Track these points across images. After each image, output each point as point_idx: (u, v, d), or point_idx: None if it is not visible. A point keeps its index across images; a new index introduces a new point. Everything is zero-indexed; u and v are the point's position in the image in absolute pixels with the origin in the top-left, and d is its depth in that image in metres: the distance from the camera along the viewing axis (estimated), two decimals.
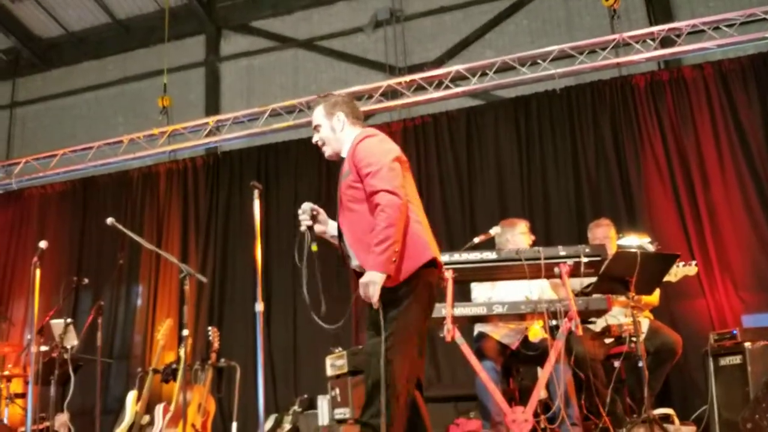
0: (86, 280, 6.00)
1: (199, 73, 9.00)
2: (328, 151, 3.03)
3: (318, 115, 3.03)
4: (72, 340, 5.84)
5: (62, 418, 6.28)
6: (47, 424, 5.79)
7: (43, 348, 5.68)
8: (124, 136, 8.22)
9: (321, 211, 3.01)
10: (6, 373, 6.18)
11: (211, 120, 8.06)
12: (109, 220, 4.38)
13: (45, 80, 9.73)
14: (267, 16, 8.86)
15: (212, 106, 8.71)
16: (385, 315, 2.71)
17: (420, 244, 2.80)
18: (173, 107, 8.48)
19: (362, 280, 2.68)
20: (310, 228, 2.94)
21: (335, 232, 3.01)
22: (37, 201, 8.61)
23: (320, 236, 3.00)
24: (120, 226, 4.35)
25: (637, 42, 6.76)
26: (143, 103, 8.99)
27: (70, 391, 5.81)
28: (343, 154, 2.97)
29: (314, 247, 2.86)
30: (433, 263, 2.80)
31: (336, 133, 2.99)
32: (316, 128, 3.03)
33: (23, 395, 6.93)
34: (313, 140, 3.07)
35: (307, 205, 2.97)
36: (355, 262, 2.88)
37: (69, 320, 5.73)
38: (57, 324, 5.72)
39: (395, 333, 2.69)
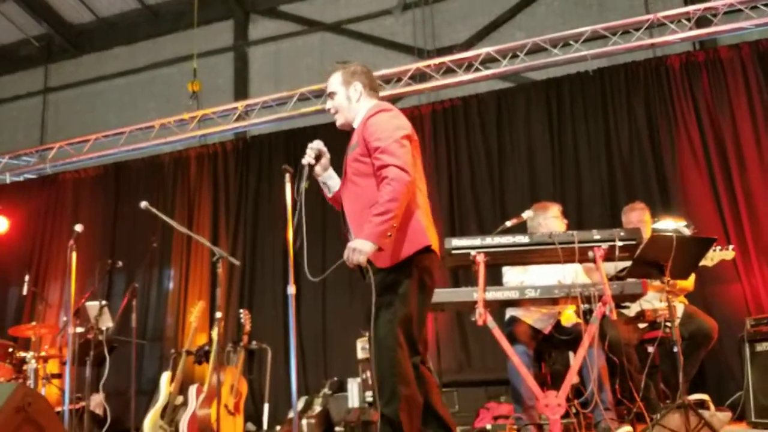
0: (120, 263, 6.12)
1: (228, 58, 9.03)
2: (340, 120, 2.98)
3: (335, 82, 2.98)
4: (107, 322, 5.94)
5: (97, 398, 6.41)
6: (83, 404, 5.91)
7: (79, 329, 5.79)
8: (155, 121, 8.30)
9: (327, 155, 2.97)
10: (43, 354, 6.29)
11: (240, 105, 8.10)
12: (143, 204, 4.44)
13: (77, 66, 9.84)
14: None
15: (241, 90, 8.75)
16: (382, 299, 2.67)
17: (419, 230, 2.77)
18: (202, 92, 8.53)
19: (350, 244, 2.64)
20: (311, 166, 2.90)
21: (333, 184, 3.00)
22: (71, 185, 8.74)
23: (316, 178, 2.99)
24: (154, 210, 4.40)
25: (671, 22, 6.62)
26: (173, 88, 9.05)
27: (105, 371, 5.91)
28: (355, 125, 2.94)
29: (306, 185, 2.82)
30: (429, 249, 2.77)
31: (351, 102, 2.95)
32: (331, 95, 2.99)
33: (59, 376, 7.09)
34: (326, 106, 3.04)
35: (317, 144, 2.94)
36: (352, 237, 2.83)
37: (104, 302, 5.83)
38: (92, 306, 5.82)
39: (393, 319, 2.66)
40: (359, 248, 2.60)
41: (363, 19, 8.49)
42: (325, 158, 2.95)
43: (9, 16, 9.41)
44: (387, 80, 7.60)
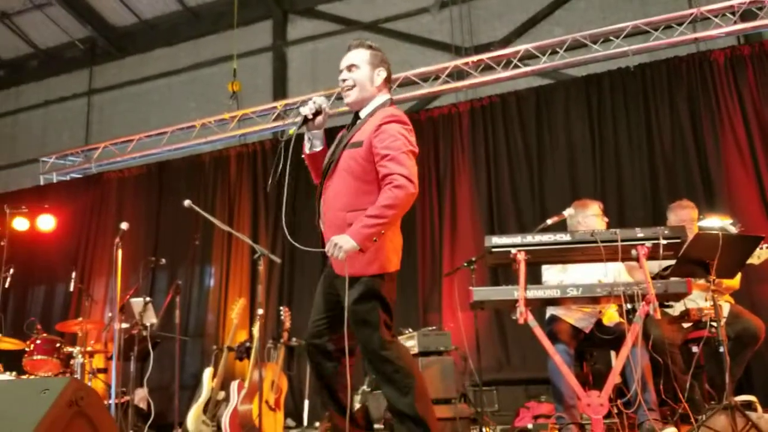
0: (163, 260, 6.22)
1: (267, 58, 9.13)
2: (353, 96, 2.85)
3: (360, 57, 2.87)
4: (151, 318, 6.04)
5: (141, 393, 6.53)
6: (128, 398, 6.03)
7: (124, 325, 5.91)
8: (196, 121, 8.45)
9: (326, 113, 2.85)
10: (89, 349, 6.43)
11: (279, 104, 8.18)
12: (187, 202, 4.52)
13: (120, 68, 10.06)
14: None
15: (279, 90, 8.84)
16: (371, 304, 2.75)
17: (399, 251, 2.82)
18: (242, 92, 8.64)
19: (334, 239, 2.58)
20: (306, 119, 2.79)
21: (317, 144, 2.88)
22: (115, 184, 8.94)
23: (304, 132, 2.89)
24: (197, 208, 4.48)
25: (715, 16, 6.50)
26: (213, 88, 9.19)
27: (149, 367, 6.01)
28: (364, 111, 2.86)
29: (291, 131, 2.69)
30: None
31: (372, 85, 2.86)
32: (352, 68, 2.86)
33: (105, 370, 7.25)
34: (342, 77, 2.87)
35: (321, 100, 2.84)
36: (322, 224, 2.83)
37: (148, 299, 5.94)
38: (136, 302, 5.92)
39: (381, 323, 2.75)
40: (341, 245, 2.55)
41: (400, 18, 8.51)
42: (323, 116, 2.84)
43: (55, 19, 9.67)
44: (424, 78, 7.61)
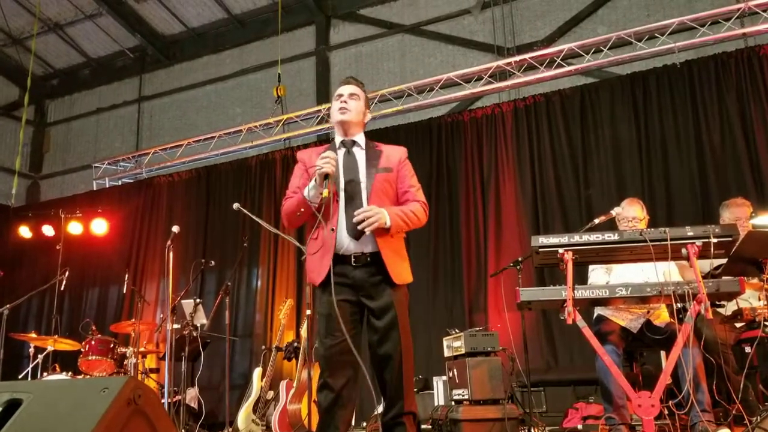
0: (212, 262, 6.35)
1: (310, 63, 9.25)
2: (347, 117, 3.11)
3: (361, 93, 3.22)
4: (201, 319, 6.16)
5: (192, 392, 6.65)
6: (179, 397, 6.16)
7: (175, 326, 6.04)
8: (243, 126, 8.62)
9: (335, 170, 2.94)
10: (141, 349, 6.57)
11: (323, 107, 8.28)
12: (236, 206, 4.62)
13: (168, 75, 10.32)
14: (374, 3, 8.98)
15: (323, 94, 8.94)
16: (405, 311, 2.97)
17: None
18: (286, 96, 8.77)
19: (376, 209, 2.85)
20: (327, 175, 2.85)
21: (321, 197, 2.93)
22: (165, 188, 9.17)
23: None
24: (245, 211, 4.59)
25: (764, 10, 6.37)
26: (259, 94, 9.36)
27: (200, 367, 6.13)
28: (358, 138, 3.14)
29: (325, 193, 2.84)
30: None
31: (362, 119, 3.19)
32: (354, 96, 3.16)
33: (157, 370, 7.42)
34: (342, 100, 3.13)
35: (331, 163, 2.88)
36: (359, 248, 2.91)
37: (198, 300, 6.07)
38: (187, 303, 6.06)
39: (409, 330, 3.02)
40: (382, 218, 2.85)
41: (442, 20, 8.53)
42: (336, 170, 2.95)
43: (105, 29, 9.97)
44: (467, 79, 7.62)
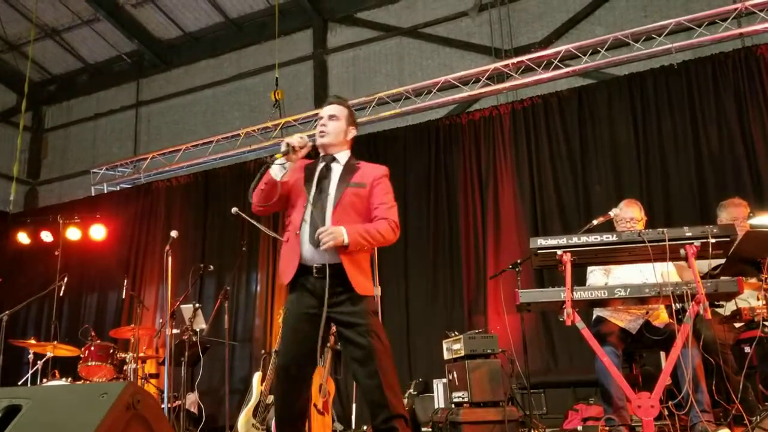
0: (211, 267, 6.34)
1: (308, 66, 9.25)
2: (326, 140, 3.17)
3: (342, 112, 3.23)
4: (200, 324, 6.16)
5: (192, 397, 6.63)
6: (179, 402, 6.15)
7: (174, 331, 6.03)
8: (241, 130, 8.61)
9: (302, 153, 3.07)
10: (141, 354, 6.56)
11: (321, 111, 8.26)
12: (234, 210, 4.62)
13: (166, 80, 10.32)
14: (372, 6, 8.98)
15: (321, 97, 8.93)
16: (375, 319, 3.02)
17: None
18: (284, 100, 8.77)
19: (333, 228, 2.90)
20: (293, 149, 3.00)
21: (289, 175, 3.08)
22: (163, 193, 9.16)
23: (287, 160, 3.05)
24: (244, 215, 4.57)
25: (761, 10, 6.37)
26: (257, 98, 9.36)
27: (199, 371, 6.12)
28: (341, 156, 3.19)
29: (278, 155, 3.00)
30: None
31: (344, 138, 3.21)
32: (333, 117, 3.19)
33: (156, 375, 7.41)
34: (322, 122, 3.19)
35: (309, 140, 3.07)
36: (321, 259, 2.97)
37: (197, 305, 6.06)
38: (186, 308, 6.05)
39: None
40: (339, 236, 2.88)
41: (439, 22, 8.53)
42: (304, 152, 3.09)
43: (102, 34, 9.98)
44: (465, 81, 7.63)
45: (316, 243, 2.94)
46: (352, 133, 3.28)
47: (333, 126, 3.18)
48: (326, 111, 3.23)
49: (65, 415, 1.66)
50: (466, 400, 4.54)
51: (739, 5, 6.43)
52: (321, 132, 3.18)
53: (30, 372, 6.20)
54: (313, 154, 3.18)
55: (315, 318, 2.95)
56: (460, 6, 8.41)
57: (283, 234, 3.18)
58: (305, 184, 3.10)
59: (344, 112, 3.24)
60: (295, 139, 3.03)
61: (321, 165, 3.18)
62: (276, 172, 3.03)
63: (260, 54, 9.52)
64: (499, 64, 7.43)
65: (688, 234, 3.46)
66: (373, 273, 3.52)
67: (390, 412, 2.88)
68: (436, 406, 5.75)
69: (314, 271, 2.97)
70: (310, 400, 3.13)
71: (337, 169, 3.17)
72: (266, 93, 8.90)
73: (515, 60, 7.36)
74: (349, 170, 3.17)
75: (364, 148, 8.03)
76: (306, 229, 3.01)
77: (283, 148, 3.01)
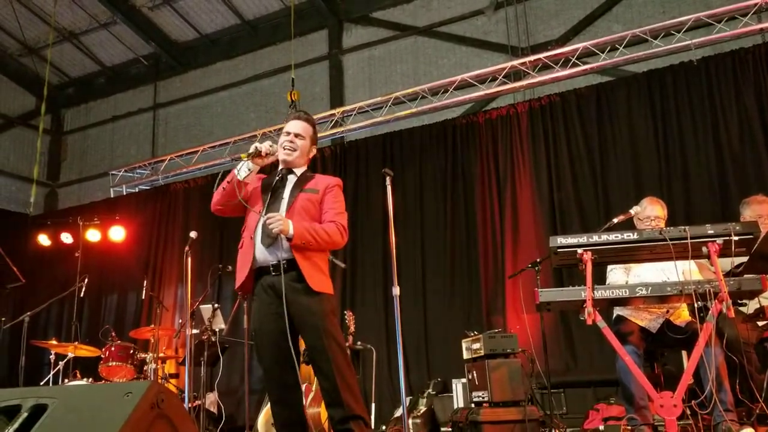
0: (230, 267, 6.35)
1: (323, 67, 9.26)
2: (291, 157, 3.33)
3: (307, 130, 3.39)
4: (219, 324, 6.19)
5: (212, 397, 6.67)
6: (199, 402, 6.19)
7: (194, 331, 6.07)
8: (257, 131, 8.64)
9: (269, 160, 3.28)
10: (161, 355, 6.60)
11: (337, 111, 8.30)
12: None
13: (183, 82, 10.38)
14: (387, 6, 8.97)
15: (337, 97, 8.96)
16: (334, 319, 3.12)
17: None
18: (300, 100, 8.78)
19: (282, 218, 3.04)
20: (259, 155, 3.19)
21: (252, 178, 3.28)
22: (181, 194, 9.22)
23: (253, 163, 3.22)
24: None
25: None
26: (273, 98, 9.39)
27: (219, 371, 6.15)
28: (299, 170, 3.36)
29: (244, 156, 3.20)
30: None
31: (306, 156, 3.41)
32: (299, 136, 3.35)
33: (176, 375, 7.45)
34: (289, 139, 3.34)
35: (274, 148, 3.27)
36: (274, 256, 3.09)
37: (216, 305, 6.09)
38: (206, 309, 6.09)
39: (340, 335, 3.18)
40: (286, 227, 3.01)
41: (455, 21, 8.51)
42: (270, 159, 3.28)
43: (119, 37, 10.05)
44: (481, 80, 7.60)
45: (267, 242, 3.07)
46: (313, 151, 3.47)
47: (300, 144, 3.34)
48: (293, 127, 3.37)
49: (91, 414, 1.67)
50: (486, 399, 4.52)
51: (758, 0, 6.35)
52: (288, 150, 3.33)
53: (52, 372, 6.25)
54: (269, 169, 3.38)
55: (280, 318, 3.03)
56: (476, 4, 8.38)
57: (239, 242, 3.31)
58: (262, 194, 3.29)
59: (310, 131, 3.40)
60: (265, 146, 3.19)
61: (277, 177, 3.34)
62: (240, 172, 3.19)
63: (276, 55, 9.54)
64: (516, 62, 7.40)
65: (711, 231, 3.42)
66: (390, 273, 3.52)
67: (346, 413, 2.93)
68: (456, 406, 5.73)
69: (271, 269, 3.09)
70: (303, 406, 3.23)
71: (292, 179, 3.34)
72: (282, 94, 8.92)
73: (532, 58, 7.32)
74: (303, 179, 3.35)
75: (380, 148, 8.04)
76: (260, 232, 3.15)
77: (251, 150, 3.17)
